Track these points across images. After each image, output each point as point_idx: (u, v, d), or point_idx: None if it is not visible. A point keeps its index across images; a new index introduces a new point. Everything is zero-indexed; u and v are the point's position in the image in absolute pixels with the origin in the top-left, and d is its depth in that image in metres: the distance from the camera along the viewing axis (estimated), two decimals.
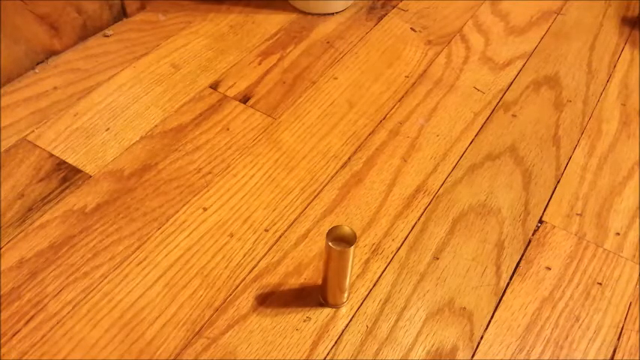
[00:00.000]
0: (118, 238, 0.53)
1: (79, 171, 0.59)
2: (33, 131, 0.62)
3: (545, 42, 0.80)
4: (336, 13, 0.82)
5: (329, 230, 0.45)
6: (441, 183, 0.61)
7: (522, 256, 0.55)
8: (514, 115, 0.69)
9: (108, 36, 0.74)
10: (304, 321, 0.49)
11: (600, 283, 0.54)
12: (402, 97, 0.70)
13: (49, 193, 0.56)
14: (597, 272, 0.55)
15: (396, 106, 0.69)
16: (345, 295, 0.50)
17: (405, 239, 0.56)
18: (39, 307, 0.48)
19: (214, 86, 0.69)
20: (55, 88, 0.67)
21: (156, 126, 0.64)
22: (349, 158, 0.63)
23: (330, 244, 0.44)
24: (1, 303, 0.49)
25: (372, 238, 0.55)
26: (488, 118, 0.69)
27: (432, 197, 0.59)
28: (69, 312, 0.48)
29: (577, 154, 0.65)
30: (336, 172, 0.61)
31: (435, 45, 0.78)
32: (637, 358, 0.49)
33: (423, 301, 0.51)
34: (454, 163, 0.63)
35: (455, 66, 0.75)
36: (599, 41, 0.81)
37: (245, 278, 0.52)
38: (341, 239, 0.45)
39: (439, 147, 0.65)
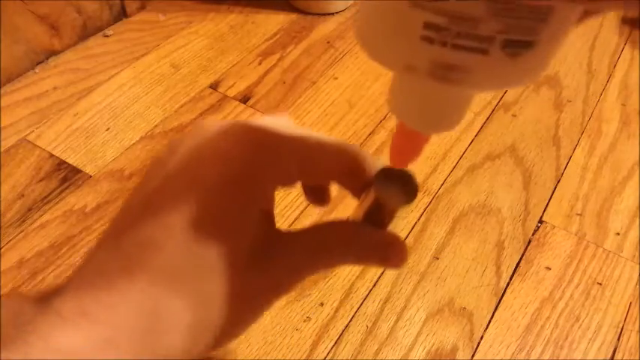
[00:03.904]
0: None
1: (79, 171, 0.59)
2: (33, 131, 0.62)
3: None
4: (336, 12, 0.82)
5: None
6: (441, 183, 0.61)
7: (522, 256, 0.55)
8: (514, 115, 0.69)
9: (108, 36, 0.74)
10: (304, 321, 0.49)
11: (600, 283, 0.54)
12: None
13: (49, 193, 0.56)
14: (597, 272, 0.55)
15: None
16: None
17: (405, 239, 0.56)
18: None
19: (214, 86, 0.69)
20: (55, 88, 0.67)
21: (156, 126, 0.64)
22: None
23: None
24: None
25: None
26: (488, 118, 0.69)
27: (432, 197, 0.59)
28: None
29: (577, 154, 0.65)
30: None
31: None
32: (637, 358, 0.49)
33: (423, 301, 0.51)
34: (454, 163, 0.63)
35: None
36: (599, 41, 0.81)
37: None
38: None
39: (439, 147, 0.65)
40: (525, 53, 0.15)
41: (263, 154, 0.20)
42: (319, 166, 0.22)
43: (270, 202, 0.21)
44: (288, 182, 0.21)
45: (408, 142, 0.21)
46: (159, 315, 0.17)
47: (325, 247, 0.22)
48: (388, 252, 0.24)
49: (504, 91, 0.72)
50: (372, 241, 0.24)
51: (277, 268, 0.20)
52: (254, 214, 0.19)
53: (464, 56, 0.15)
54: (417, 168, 0.62)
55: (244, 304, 0.19)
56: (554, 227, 0.58)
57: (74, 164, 0.59)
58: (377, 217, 0.24)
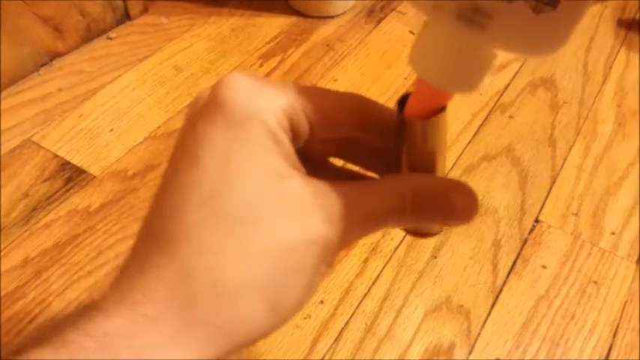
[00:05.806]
0: (122, 237, 0.54)
1: (83, 171, 0.60)
2: (38, 132, 0.63)
3: None
4: (336, 15, 0.82)
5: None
6: None
7: (519, 254, 0.56)
8: (511, 117, 0.70)
9: (111, 38, 0.75)
10: (304, 318, 0.50)
11: (596, 282, 0.55)
12: None
13: (54, 193, 0.57)
14: (593, 271, 0.55)
15: None
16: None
17: (404, 238, 0.56)
18: (43, 306, 0.49)
19: None
20: (60, 89, 0.68)
21: (159, 127, 0.65)
22: None
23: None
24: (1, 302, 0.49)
25: (371, 237, 0.56)
26: (485, 120, 0.69)
27: None
28: None
29: (573, 155, 0.66)
30: None
31: None
32: (632, 356, 0.50)
33: (421, 299, 0.52)
34: (452, 164, 0.64)
35: None
36: (595, 43, 0.82)
37: None
38: None
39: None
40: (548, 12, 0.16)
41: (263, 97, 0.18)
42: (328, 111, 0.19)
43: (283, 143, 0.19)
44: (297, 135, 0.19)
45: (425, 103, 0.20)
46: (193, 283, 0.17)
47: (374, 209, 0.19)
48: (451, 199, 0.20)
49: (501, 92, 0.73)
50: (429, 189, 0.20)
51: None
52: (264, 164, 0.18)
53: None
54: None
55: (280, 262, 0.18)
56: (550, 226, 0.59)
57: (78, 165, 0.60)
58: (420, 158, 0.21)
